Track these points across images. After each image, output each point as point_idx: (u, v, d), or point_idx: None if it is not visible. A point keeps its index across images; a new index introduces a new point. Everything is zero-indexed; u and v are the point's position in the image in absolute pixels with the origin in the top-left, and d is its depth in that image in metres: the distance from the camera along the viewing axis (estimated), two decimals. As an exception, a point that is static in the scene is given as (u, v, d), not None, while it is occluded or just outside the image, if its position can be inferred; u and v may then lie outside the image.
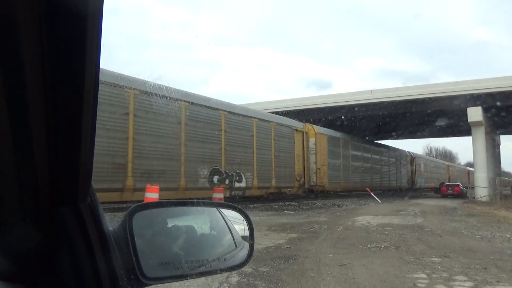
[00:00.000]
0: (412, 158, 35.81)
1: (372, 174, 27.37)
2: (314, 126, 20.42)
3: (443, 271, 4.79)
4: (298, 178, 18.30)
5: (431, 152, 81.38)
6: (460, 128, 28.35)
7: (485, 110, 22.99)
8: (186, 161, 12.38)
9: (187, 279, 0.87)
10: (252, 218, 1.11)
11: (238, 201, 14.71)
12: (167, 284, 0.86)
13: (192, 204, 1.08)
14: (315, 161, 19.50)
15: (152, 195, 10.05)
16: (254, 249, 1.07)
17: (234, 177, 14.52)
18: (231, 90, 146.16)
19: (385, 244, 6.70)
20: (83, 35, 0.49)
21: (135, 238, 0.78)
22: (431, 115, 25.58)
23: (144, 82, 11.36)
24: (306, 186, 18.90)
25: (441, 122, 26.61)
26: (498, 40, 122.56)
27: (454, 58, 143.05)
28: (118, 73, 10.87)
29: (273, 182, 16.76)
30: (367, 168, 26.52)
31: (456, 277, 4.48)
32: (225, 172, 14.07)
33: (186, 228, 1.02)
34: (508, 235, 8.05)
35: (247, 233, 1.10)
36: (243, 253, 1.05)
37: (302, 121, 20.20)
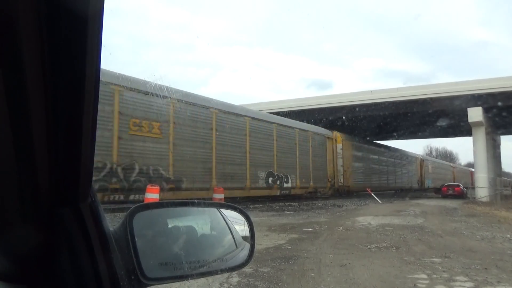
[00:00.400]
0: (421, 161, 39.00)
1: (388, 175, 30.66)
2: (340, 133, 23.50)
3: (444, 271, 4.79)
4: (330, 180, 21.63)
5: (431, 152, 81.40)
6: (461, 128, 28.34)
7: (486, 111, 22.97)
8: (250, 166, 15.52)
9: (188, 279, 0.87)
10: (252, 218, 1.11)
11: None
12: (167, 285, 0.86)
13: (192, 204, 1.08)
14: (342, 164, 22.72)
15: (152, 195, 10.05)
16: (255, 249, 1.07)
17: (283, 178, 17.59)
18: (231, 90, 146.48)
19: (385, 245, 6.69)
20: (84, 36, 0.49)
21: (136, 239, 0.78)
22: (432, 116, 25.57)
23: (221, 103, 14.94)
24: (336, 186, 22.26)
25: (442, 123, 26.60)
26: (499, 41, 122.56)
27: (454, 58, 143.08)
28: (206, 97, 14.38)
29: (311, 183, 19.95)
30: (384, 170, 30.00)
31: (457, 278, 4.48)
32: (277, 175, 17.19)
33: (187, 228, 1.02)
34: (508, 236, 8.04)
35: (247, 233, 1.10)
36: (243, 253, 1.05)
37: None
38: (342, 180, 22.71)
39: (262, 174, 16.28)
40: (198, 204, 1.08)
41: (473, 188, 25.67)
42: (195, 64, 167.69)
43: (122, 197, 10.61)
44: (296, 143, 18.68)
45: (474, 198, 23.56)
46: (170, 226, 0.97)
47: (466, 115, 22.73)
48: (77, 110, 0.54)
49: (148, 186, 10.40)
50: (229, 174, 14.47)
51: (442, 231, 8.82)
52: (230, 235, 1.10)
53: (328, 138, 21.93)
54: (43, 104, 0.51)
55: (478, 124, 22.97)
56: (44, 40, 0.47)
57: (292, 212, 13.42)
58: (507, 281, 4.35)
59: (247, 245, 1.08)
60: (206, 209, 1.16)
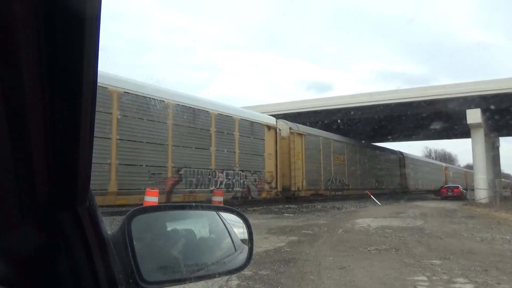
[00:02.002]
0: (445, 168, 53.58)
1: (430, 180, 43.74)
2: (406, 153, 38.13)
3: (444, 273, 4.78)
4: (402, 183, 35.41)
5: (430, 154, 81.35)
6: (460, 130, 28.38)
7: (484, 112, 23.01)
8: (371, 176, 28.94)
9: (186, 283, 0.87)
10: (251, 221, 1.11)
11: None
12: (166, 288, 0.86)
13: (191, 207, 1.08)
14: (405, 174, 36.50)
15: (151, 198, 10.03)
16: (254, 252, 1.07)
17: (382, 183, 31.01)
18: (231, 93, 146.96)
19: (385, 247, 6.68)
20: (81, 38, 0.49)
21: (134, 242, 0.78)
22: (431, 117, 25.61)
23: (361, 143, 28.77)
24: (403, 187, 35.47)
25: (441, 124, 26.65)
26: (498, 42, 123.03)
27: (454, 60, 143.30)
28: (354, 139, 27.48)
29: (393, 186, 33.49)
30: (425, 176, 42.84)
31: (457, 279, 4.47)
32: (380, 181, 30.83)
33: (185, 231, 1.02)
34: (508, 237, 8.04)
35: (246, 236, 1.09)
36: (242, 256, 1.05)
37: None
38: (405, 184, 36.22)
39: (373, 181, 29.69)
40: (197, 207, 1.08)
41: (473, 189, 25.68)
42: (196, 67, 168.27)
43: (333, 193, 22.72)
44: (382, 163, 31.97)
45: (474, 199, 23.56)
46: (168, 229, 0.97)
47: (465, 117, 22.76)
48: (75, 114, 0.54)
49: (147, 189, 10.39)
50: (368, 181, 27.86)
51: (441, 233, 8.81)
52: (229, 238, 1.10)
53: (401, 157, 35.97)
54: (41, 107, 0.51)
55: (476, 126, 23.00)
56: (41, 42, 0.47)
57: (292, 215, 13.40)
58: (507, 283, 4.34)
59: (246, 248, 1.07)
60: (205, 212, 1.16)
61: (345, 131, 26.87)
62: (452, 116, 24.56)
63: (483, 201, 22.04)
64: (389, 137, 35.09)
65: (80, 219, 0.65)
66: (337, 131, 25.53)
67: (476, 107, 22.51)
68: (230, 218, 1.12)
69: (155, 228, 0.94)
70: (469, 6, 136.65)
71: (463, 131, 26.80)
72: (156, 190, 10.36)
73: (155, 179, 11.46)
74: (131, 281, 0.75)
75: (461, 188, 30.83)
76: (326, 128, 24.57)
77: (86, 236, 0.66)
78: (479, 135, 23.42)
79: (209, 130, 13.79)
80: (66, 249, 0.64)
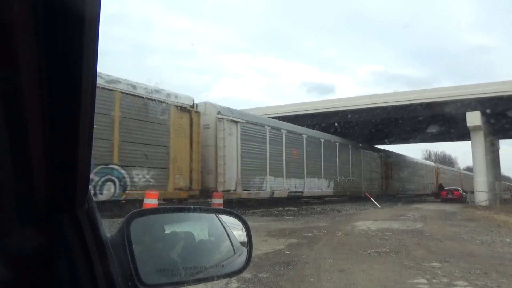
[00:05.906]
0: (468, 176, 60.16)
1: (463, 185, 48.39)
2: (435, 163, 49.76)
3: (444, 276, 4.77)
4: (435, 187, 41.87)
5: (430, 156, 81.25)
6: (460, 132, 28.37)
7: (484, 115, 23.01)
8: (423, 183, 41.31)
9: (185, 285, 0.87)
10: (251, 223, 1.11)
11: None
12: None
13: (189, 210, 1.08)
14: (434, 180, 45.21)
15: (151, 201, 10.01)
16: (253, 255, 1.07)
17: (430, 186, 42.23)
18: (233, 95, 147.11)
19: (385, 249, 6.68)
20: (81, 39, 0.49)
21: (133, 245, 0.78)
22: (430, 120, 25.59)
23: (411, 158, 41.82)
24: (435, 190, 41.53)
25: (440, 127, 26.62)
26: (498, 45, 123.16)
27: (454, 63, 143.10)
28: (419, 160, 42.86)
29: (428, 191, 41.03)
30: (452, 181, 50.57)
31: (457, 282, 4.46)
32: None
33: (184, 234, 1.02)
34: (508, 240, 8.03)
35: (245, 239, 1.09)
36: (241, 259, 1.05)
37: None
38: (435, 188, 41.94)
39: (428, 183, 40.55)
40: (195, 210, 1.08)
41: (473, 192, 25.66)
42: (199, 70, 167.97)
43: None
44: (424, 172, 41.90)
45: (474, 202, 23.54)
46: (167, 232, 0.97)
47: (465, 120, 22.76)
48: (74, 116, 0.54)
49: (147, 191, 10.37)
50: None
51: (441, 235, 8.80)
52: (228, 241, 1.10)
53: (434, 167, 46.87)
54: (40, 108, 0.51)
55: (476, 128, 22.98)
56: (41, 44, 0.47)
57: (291, 217, 13.38)
58: (507, 286, 4.34)
59: (245, 251, 1.07)
60: (204, 214, 1.16)
61: (348, 133, 26.80)
62: (452, 119, 24.53)
63: (483, 203, 22.00)
64: (388, 139, 34.98)
65: (79, 222, 0.65)
66: (336, 133, 25.46)
67: (476, 109, 22.52)
68: (229, 220, 1.12)
69: (154, 230, 0.93)
70: (470, 9, 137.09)
71: (463, 134, 26.78)
72: (156, 192, 10.35)
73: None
74: (130, 283, 0.75)
75: (461, 190, 30.81)
76: (329, 129, 24.43)
77: (85, 238, 0.66)
78: (479, 137, 23.41)
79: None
80: (65, 252, 0.63)
